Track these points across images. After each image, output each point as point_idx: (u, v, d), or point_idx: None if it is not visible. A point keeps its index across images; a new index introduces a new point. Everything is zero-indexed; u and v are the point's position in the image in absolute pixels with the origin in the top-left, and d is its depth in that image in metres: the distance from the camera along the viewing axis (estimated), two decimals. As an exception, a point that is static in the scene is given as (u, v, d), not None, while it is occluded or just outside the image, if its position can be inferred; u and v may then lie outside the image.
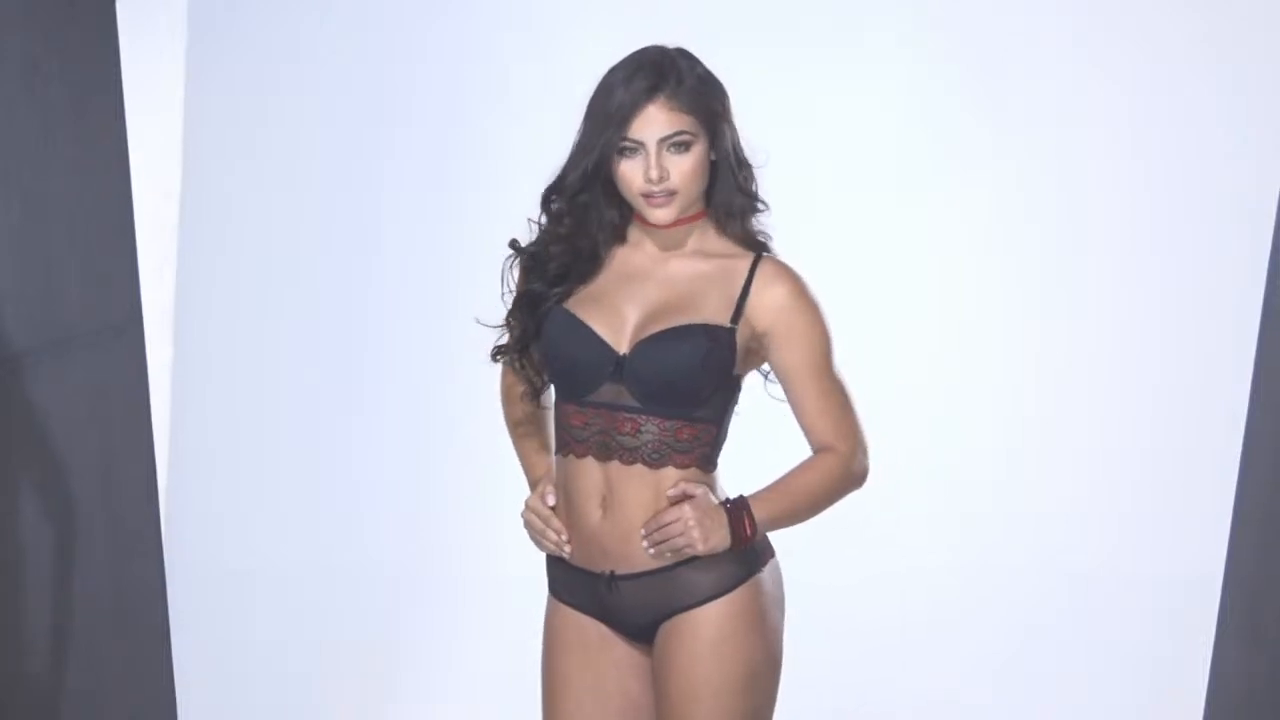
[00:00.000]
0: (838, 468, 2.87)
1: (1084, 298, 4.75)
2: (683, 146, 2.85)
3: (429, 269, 4.87)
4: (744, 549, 2.86)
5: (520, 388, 3.01)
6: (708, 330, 2.84)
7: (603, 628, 2.94)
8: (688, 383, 2.83)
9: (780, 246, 2.97)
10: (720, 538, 2.83)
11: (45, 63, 3.35)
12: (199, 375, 4.89)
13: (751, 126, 2.97)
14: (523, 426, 3.05)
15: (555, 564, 2.98)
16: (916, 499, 4.77)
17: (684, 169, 2.85)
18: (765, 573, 2.90)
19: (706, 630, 2.86)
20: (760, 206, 2.93)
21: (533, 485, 3.03)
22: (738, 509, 2.85)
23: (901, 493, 4.75)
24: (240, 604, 4.88)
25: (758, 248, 2.92)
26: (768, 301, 2.86)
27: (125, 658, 3.57)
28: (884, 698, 4.77)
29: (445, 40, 4.87)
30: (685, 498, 2.85)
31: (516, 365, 2.97)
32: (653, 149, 2.84)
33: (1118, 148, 4.73)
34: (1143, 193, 4.72)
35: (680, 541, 2.83)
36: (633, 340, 2.87)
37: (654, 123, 2.84)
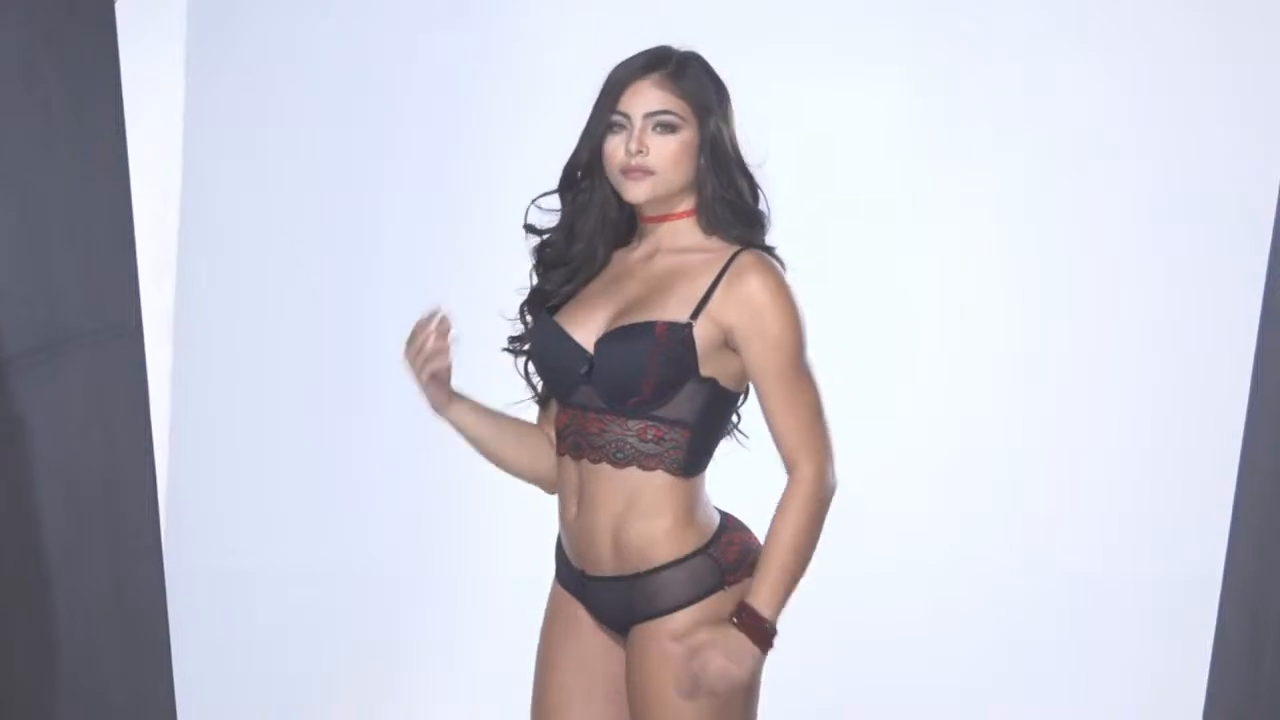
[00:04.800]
0: (810, 504, 2.80)
1: (1084, 298, 4.76)
2: (668, 128, 2.84)
3: (429, 270, 4.87)
4: (714, 567, 2.84)
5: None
6: (655, 327, 2.79)
7: (586, 612, 2.96)
8: (636, 380, 2.79)
9: (779, 247, 2.94)
10: (748, 651, 2.79)
11: (44, 64, 3.34)
12: (199, 376, 4.89)
13: (749, 126, 2.97)
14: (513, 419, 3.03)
15: (557, 544, 3.00)
16: (917, 499, 4.78)
17: (666, 150, 2.84)
18: (731, 591, 2.85)
19: (662, 642, 2.83)
20: (760, 218, 2.88)
21: None
22: (747, 617, 2.79)
23: (902, 492, 4.76)
24: (240, 605, 4.88)
25: (744, 243, 2.87)
26: (736, 296, 2.80)
27: (125, 659, 3.57)
28: (883, 698, 4.77)
29: (445, 41, 4.87)
30: (696, 649, 2.81)
31: (522, 364, 2.98)
32: (638, 123, 2.84)
33: (1118, 148, 4.73)
34: (1143, 192, 4.73)
35: (717, 684, 2.79)
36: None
37: (642, 96, 2.84)
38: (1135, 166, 4.73)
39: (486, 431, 2.97)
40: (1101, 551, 4.75)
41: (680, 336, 2.79)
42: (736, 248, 2.85)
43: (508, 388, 3.10)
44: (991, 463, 4.78)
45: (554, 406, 2.98)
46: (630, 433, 2.83)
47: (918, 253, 4.81)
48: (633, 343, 2.80)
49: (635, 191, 2.85)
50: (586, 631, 2.95)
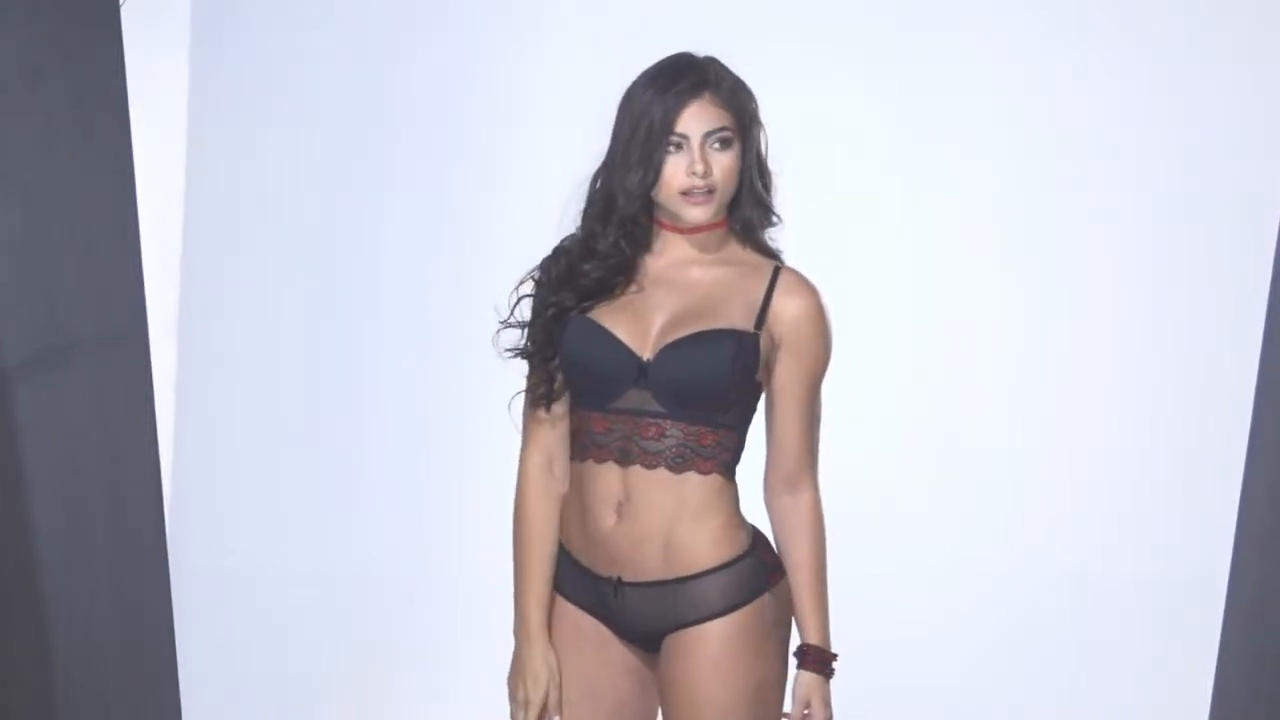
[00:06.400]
0: (821, 523, 2.91)
1: (1085, 298, 4.76)
2: (725, 144, 2.86)
3: (433, 273, 4.87)
4: (760, 567, 2.88)
5: (544, 437, 2.96)
6: (735, 335, 2.84)
7: (601, 627, 2.93)
8: (715, 387, 2.84)
9: (781, 246, 2.96)
10: (826, 684, 2.90)
11: (48, 65, 3.34)
12: (202, 380, 4.88)
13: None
14: (536, 536, 2.97)
15: (563, 557, 2.97)
16: (917, 499, 4.78)
17: (725, 166, 2.86)
18: (774, 592, 2.89)
19: (710, 647, 2.85)
20: (775, 220, 2.94)
21: (521, 628, 2.96)
22: (811, 658, 2.89)
23: (901, 492, 4.76)
24: (244, 607, 4.87)
25: (774, 257, 2.93)
26: (786, 312, 2.87)
27: (130, 662, 3.57)
28: (883, 697, 4.77)
29: (448, 42, 4.87)
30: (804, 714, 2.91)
31: (538, 366, 2.93)
32: (697, 143, 2.85)
33: (1118, 148, 4.73)
34: (1144, 193, 4.73)
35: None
36: (656, 346, 2.86)
37: (699, 118, 2.85)
38: (1135, 166, 4.73)
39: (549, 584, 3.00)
40: (1101, 551, 4.76)
41: (750, 345, 2.85)
42: (772, 261, 2.92)
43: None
44: (992, 463, 4.78)
45: (559, 405, 2.94)
46: (692, 437, 2.85)
47: (917, 253, 4.81)
48: (709, 350, 2.84)
49: (698, 215, 2.87)
50: (593, 645, 2.94)
